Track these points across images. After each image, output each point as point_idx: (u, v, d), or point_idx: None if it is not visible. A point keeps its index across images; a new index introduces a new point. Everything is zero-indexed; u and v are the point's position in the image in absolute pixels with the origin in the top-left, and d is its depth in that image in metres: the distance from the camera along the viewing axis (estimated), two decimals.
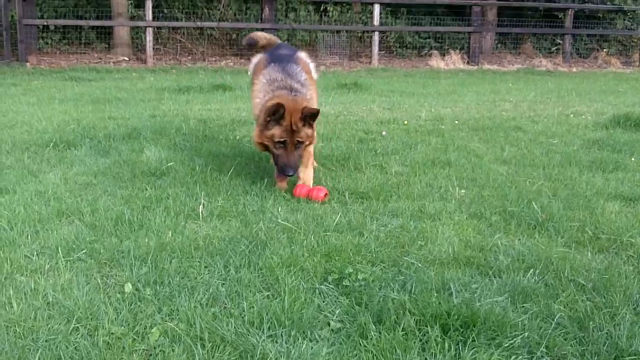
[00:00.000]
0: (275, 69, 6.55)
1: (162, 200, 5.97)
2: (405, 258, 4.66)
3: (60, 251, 4.62)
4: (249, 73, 7.27)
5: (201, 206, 5.71)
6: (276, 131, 6.06)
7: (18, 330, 3.53)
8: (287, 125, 6.03)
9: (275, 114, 6.01)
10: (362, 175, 7.08)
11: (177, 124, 9.94)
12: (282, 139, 6.06)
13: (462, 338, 3.51)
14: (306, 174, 6.53)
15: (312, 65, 7.22)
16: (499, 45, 29.62)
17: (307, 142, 6.22)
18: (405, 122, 10.71)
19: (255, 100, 6.48)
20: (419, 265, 4.54)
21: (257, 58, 7.08)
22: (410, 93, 15.93)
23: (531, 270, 4.45)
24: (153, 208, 5.73)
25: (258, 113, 6.35)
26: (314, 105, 6.53)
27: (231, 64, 23.98)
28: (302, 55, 7.15)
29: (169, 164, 7.28)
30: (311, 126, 6.18)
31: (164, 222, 5.35)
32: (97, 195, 6.17)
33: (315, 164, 7.04)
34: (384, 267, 4.54)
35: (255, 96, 6.50)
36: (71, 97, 13.85)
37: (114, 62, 22.82)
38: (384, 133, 9.67)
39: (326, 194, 6.16)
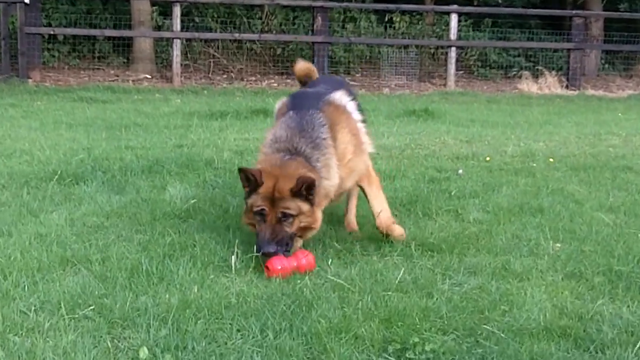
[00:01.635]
0: (287, 121, 6.16)
1: (187, 248, 6.03)
2: (485, 326, 4.63)
3: (63, 307, 4.68)
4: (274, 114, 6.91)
5: (234, 256, 5.74)
6: (253, 199, 5.73)
7: None
8: (265, 192, 5.65)
9: (247, 181, 5.75)
10: (433, 222, 7.09)
11: (207, 156, 10.05)
12: (258, 208, 5.69)
13: None
14: (375, 200, 6.48)
15: (349, 108, 6.59)
16: (606, 65, 29.46)
17: (301, 220, 5.74)
18: (488, 159, 10.69)
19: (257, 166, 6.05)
20: (502, 335, 4.50)
21: (280, 102, 6.70)
22: (494, 123, 15.89)
23: None
24: (176, 257, 5.80)
25: None
26: (331, 173, 6.01)
27: (274, 84, 24.19)
28: (336, 97, 6.51)
29: (193, 201, 7.39)
30: (309, 201, 5.70)
31: (189, 275, 5.41)
32: (109, 240, 6.26)
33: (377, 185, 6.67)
34: (457, 336, 4.52)
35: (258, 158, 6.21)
36: (81, 121, 14.08)
37: (133, 81, 23.12)
38: (460, 171, 9.66)
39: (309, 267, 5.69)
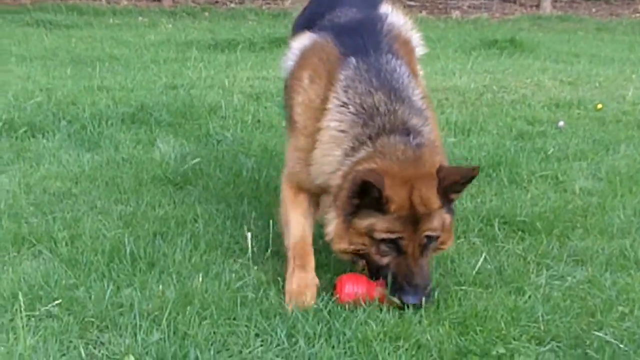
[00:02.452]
0: (362, 78, 5.18)
1: (186, 225, 6.08)
2: (596, 333, 4.64)
3: (21, 301, 4.72)
4: (284, 71, 5.96)
5: (249, 235, 5.75)
6: (378, 221, 4.79)
7: None
8: (403, 210, 4.77)
9: (364, 194, 4.76)
10: (524, 193, 7.09)
11: (211, 101, 10.08)
12: (392, 237, 4.79)
13: None
14: None
15: (415, 41, 5.96)
16: None
17: (441, 240, 4.99)
18: (599, 107, 10.63)
19: (319, 163, 5.18)
20: (620, 346, 4.52)
21: (305, 38, 5.72)
22: (608, 59, 15.79)
23: None
24: (171, 236, 5.84)
25: (332, 185, 5.08)
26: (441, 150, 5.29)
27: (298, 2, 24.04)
28: (397, 23, 5.79)
29: (194, 162, 7.44)
30: (450, 207, 4.97)
31: (189, 260, 5.45)
32: (79, 212, 6.32)
33: None
34: (558, 347, 4.54)
35: (320, 153, 5.15)
36: (37, 53, 14.14)
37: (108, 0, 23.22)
38: (561, 124, 9.63)
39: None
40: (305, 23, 6.01)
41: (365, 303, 4.79)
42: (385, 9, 5.88)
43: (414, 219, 4.72)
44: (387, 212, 4.71)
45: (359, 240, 4.79)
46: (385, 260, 4.80)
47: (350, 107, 5.08)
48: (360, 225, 4.77)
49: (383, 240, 4.75)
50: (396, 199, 4.69)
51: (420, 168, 4.81)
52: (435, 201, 4.75)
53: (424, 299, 4.72)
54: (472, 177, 4.90)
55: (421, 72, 5.89)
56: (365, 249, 4.83)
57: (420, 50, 6.00)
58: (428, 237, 4.78)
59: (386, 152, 4.88)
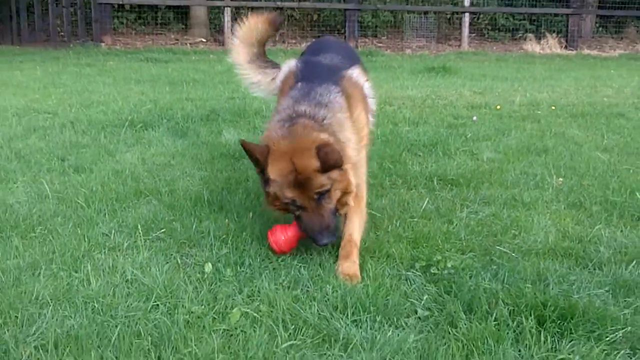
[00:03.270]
0: (294, 93, 4.68)
1: (241, 183, 6.07)
2: (498, 247, 4.64)
3: (139, 229, 4.75)
4: (276, 88, 5.41)
5: None
6: (275, 189, 4.24)
7: (96, 306, 3.65)
8: (286, 178, 4.18)
9: (255, 161, 4.29)
10: (452, 161, 7.06)
11: (256, 106, 10.05)
12: (288, 199, 4.23)
13: (559, 330, 3.49)
14: (352, 225, 4.51)
15: (367, 92, 5.17)
16: (600, 29, 28.97)
17: (336, 189, 4.27)
18: (498, 107, 10.60)
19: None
20: (513, 254, 4.52)
21: (287, 66, 5.19)
22: (503, 77, 15.74)
23: (635, 263, 4.37)
24: (233, 190, 5.84)
25: None
26: (345, 130, 4.52)
27: None
28: (354, 74, 5.08)
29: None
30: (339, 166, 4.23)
31: (243, 204, 5.45)
32: (175, 176, 6.32)
33: (364, 214, 4.70)
34: (474, 255, 4.53)
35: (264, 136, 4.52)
36: (147, 78, 14.13)
37: (191, 44, 23.15)
38: (474, 118, 9.60)
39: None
40: (302, 56, 5.65)
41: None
42: (353, 69, 5.10)
43: (299, 184, 4.12)
44: (276, 182, 4.17)
45: (277, 202, 4.26)
46: (297, 214, 4.27)
47: (275, 110, 4.72)
48: (272, 193, 4.22)
49: (287, 203, 4.22)
50: (279, 169, 4.16)
51: (295, 144, 4.16)
52: (311, 168, 4.09)
53: (329, 239, 4.18)
54: (335, 153, 4.10)
55: (371, 117, 5.24)
56: (281, 207, 4.31)
57: (371, 101, 5.22)
58: (318, 193, 4.16)
59: (270, 135, 4.35)
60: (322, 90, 4.59)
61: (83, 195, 5.58)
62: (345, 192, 4.34)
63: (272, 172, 4.17)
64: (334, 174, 4.18)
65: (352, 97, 4.76)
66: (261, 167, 4.24)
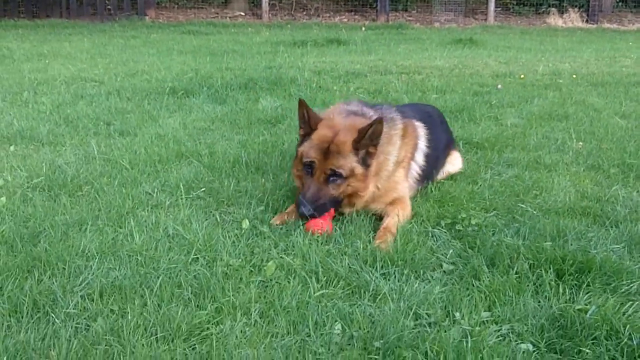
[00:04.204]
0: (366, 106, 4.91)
1: (277, 146, 6.07)
2: (520, 206, 4.62)
3: (180, 188, 4.77)
4: None
5: None
6: (305, 147, 4.38)
7: (140, 259, 3.69)
8: (321, 142, 4.32)
9: (303, 120, 4.46)
10: (477, 126, 7.01)
11: (291, 75, 10.01)
12: (308, 159, 4.32)
13: (576, 282, 3.48)
14: (389, 219, 4.39)
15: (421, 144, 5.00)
16: (620, 3, 28.48)
17: (350, 183, 4.33)
18: (522, 76, 10.49)
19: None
20: (534, 213, 4.50)
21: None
22: (527, 49, 15.56)
23: None
24: (269, 152, 5.85)
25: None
26: (392, 147, 4.62)
27: (345, 19, 23.93)
28: (419, 126, 5.06)
29: (281, 110, 7.44)
30: (365, 162, 4.36)
31: (280, 165, 5.46)
32: (214, 139, 6.33)
33: (405, 216, 4.48)
34: (497, 214, 4.52)
35: None
36: (189, 49, 14.12)
37: (230, 17, 23.09)
38: (499, 86, 9.51)
39: (320, 231, 4.10)
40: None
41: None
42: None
43: (327, 152, 4.23)
44: (312, 141, 4.32)
45: (299, 166, 4.36)
46: (304, 181, 4.33)
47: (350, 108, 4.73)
48: (299, 152, 4.37)
49: (305, 163, 4.29)
50: (320, 134, 4.32)
51: (347, 124, 4.39)
52: (347, 146, 4.24)
53: (309, 211, 4.12)
54: (379, 130, 4.27)
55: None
56: (301, 173, 4.37)
57: (422, 150, 4.96)
58: (332, 170, 4.23)
59: (332, 112, 4.66)
60: (390, 114, 4.77)
61: (127, 157, 5.62)
62: (358, 195, 4.38)
63: (315, 135, 4.34)
64: (358, 168, 4.28)
65: (407, 134, 4.80)
66: (308, 129, 4.40)
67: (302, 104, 4.42)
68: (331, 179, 4.26)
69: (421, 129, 5.00)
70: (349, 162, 4.25)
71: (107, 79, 9.67)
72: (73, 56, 12.57)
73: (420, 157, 4.89)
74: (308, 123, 4.41)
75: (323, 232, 4.07)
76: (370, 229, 4.28)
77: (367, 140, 4.27)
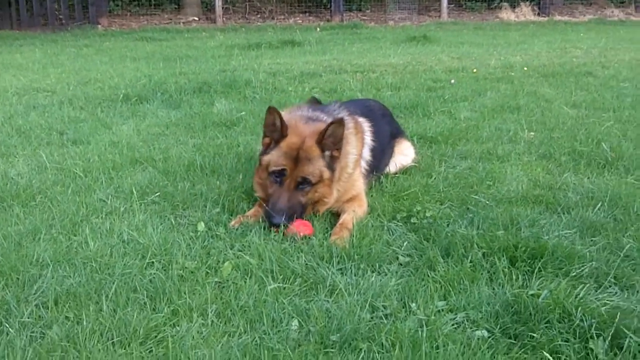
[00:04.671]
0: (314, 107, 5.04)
1: (233, 148, 6.07)
2: (474, 197, 4.67)
3: (134, 194, 4.75)
4: None
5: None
6: (273, 156, 4.35)
7: (94, 265, 3.66)
8: (290, 149, 4.31)
9: (272, 127, 4.41)
10: (431, 121, 7.07)
11: (246, 77, 9.99)
12: (278, 167, 4.30)
13: (529, 268, 3.54)
14: (346, 215, 4.41)
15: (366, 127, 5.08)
16: None
17: (317, 190, 4.36)
18: (475, 70, 10.60)
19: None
20: (487, 203, 4.56)
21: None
22: (480, 44, 15.71)
23: (600, 205, 4.43)
24: (224, 155, 5.83)
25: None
26: (350, 145, 4.67)
27: (300, 21, 23.96)
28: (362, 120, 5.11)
29: (241, 114, 7.42)
30: (330, 167, 4.38)
31: (235, 167, 5.45)
32: (169, 144, 6.31)
33: (361, 213, 4.49)
34: (452, 205, 4.57)
35: None
36: (142, 55, 14.04)
37: (184, 23, 22.98)
38: (452, 81, 9.60)
39: (308, 234, 4.09)
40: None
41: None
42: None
43: (297, 159, 4.23)
44: (280, 148, 4.30)
45: (264, 174, 4.34)
46: (271, 190, 4.28)
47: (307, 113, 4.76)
48: (265, 161, 4.34)
49: (273, 172, 4.27)
50: (288, 141, 4.30)
51: (312, 129, 4.39)
52: (315, 150, 4.27)
53: (281, 220, 4.05)
54: (338, 130, 4.30)
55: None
56: (265, 182, 4.34)
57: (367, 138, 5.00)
58: (303, 178, 4.24)
59: (292, 117, 4.59)
60: (338, 111, 4.89)
61: (81, 165, 5.58)
62: (323, 201, 4.40)
63: (284, 142, 4.32)
64: (325, 173, 4.31)
65: (358, 130, 4.88)
66: (279, 136, 4.35)
67: (272, 110, 4.37)
68: (300, 186, 4.27)
69: (365, 124, 5.03)
70: (318, 167, 4.29)
71: (60, 89, 9.57)
72: (25, 67, 12.41)
73: (367, 152, 4.92)
74: (280, 130, 4.36)
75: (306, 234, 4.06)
76: (327, 226, 4.30)
77: (330, 142, 4.32)
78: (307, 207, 4.36)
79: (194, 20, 23.58)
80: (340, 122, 4.31)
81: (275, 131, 4.37)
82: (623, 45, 15.13)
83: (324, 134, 4.28)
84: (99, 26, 21.48)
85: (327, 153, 4.35)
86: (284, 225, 4.07)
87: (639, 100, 7.91)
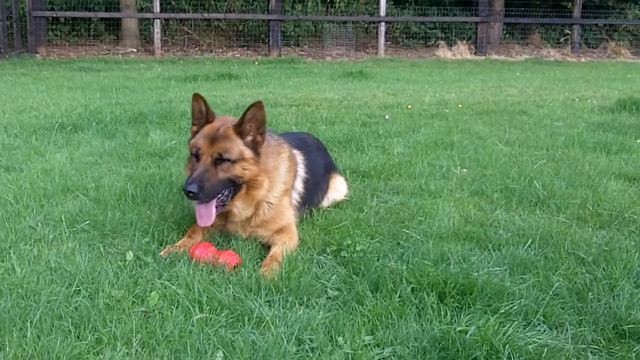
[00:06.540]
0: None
1: (165, 178, 6.01)
2: (405, 232, 4.69)
3: (64, 222, 4.67)
4: None
5: None
6: (195, 139, 4.46)
7: (20, 292, 3.60)
8: (208, 132, 4.41)
9: (199, 114, 4.54)
10: (364, 155, 7.10)
11: (182, 109, 9.93)
12: (195, 148, 4.40)
13: (458, 305, 3.55)
14: (276, 248, 4.37)
15: (300, 171, 5.02)
16: (507, 35, 29.54)
17: (244, 167, 4.39)
18: (409, 107, 10.71)
19: None
20: (418, 238, 4.57)
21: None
22: (416, 81, 15.93)
23: (531, 242, 4.49)
24: (157, 185, 5.77)
25: None
26: (278, 161, 4.73)
27: (238, 55, 24.03)
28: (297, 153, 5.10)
29: (172, 142, 7.38)
30: (254, 149, 4.45)
31: (167, 197, 5.40)
32: (102, 173, 6.22)
33: (291, 246, 4.44)
34: (382, 239, 4.58)
35: None
36: (79, 85, 13.87)
37: (122, 54, 22.84)
38: (387, 117, 9.68)
39: (237, 263, 4.11)
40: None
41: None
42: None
43: (213, 138, 4.29)
44: (201, 131, 4.42)
45: (190, 156, 4.42)
46: (193, 168, 4.31)
47: None
48: (189, 145, 4.45)
49: (193, 154, 4.35)
50: (209, 126, 4.41)
51: (236, 119, 4.43)
52: (231, 131, 4.34)
53: (194, 189, 4.10)
54: (258, 113, 4.37)
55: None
56: (191, 164, 4.39)
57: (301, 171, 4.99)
58: (219, 154, 4.27)
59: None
60: (277, 138, 4.93)
61: (12, 192, 5.47)
62: (254, 181, 4.42)
63: (206, 127, 4.44)
64: (246, 152, 4.37)
65: (291, 165, 4.87)
66: (204, 121, 4.47)
67: (197, 97, 4.52)
68: (219, 162, 4.29)
69: (299, 156, 5.02)
70: (236, 146, 4.34)
71: None
72: None
73: (299, 184, 4.91)
74: (205, 115, 4.49)
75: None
76: (257, 257, 4.27)
77: (251, 126, 4.39)
78: (239, 184, 4.39)
79: (132, 51, 23.48)
80: (259, 104, 4.39)
81: (202, 118, 4.50)
82: (558, 85, 15.49)
83: (243, 117, 4.37)
84: (38, 55, 21.27)
85: (249, 138, 4.41)
86: (194, 194, 4.13)
87: (572, 139, 8.04)
